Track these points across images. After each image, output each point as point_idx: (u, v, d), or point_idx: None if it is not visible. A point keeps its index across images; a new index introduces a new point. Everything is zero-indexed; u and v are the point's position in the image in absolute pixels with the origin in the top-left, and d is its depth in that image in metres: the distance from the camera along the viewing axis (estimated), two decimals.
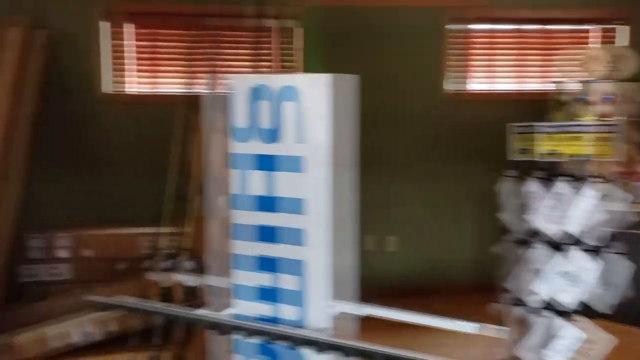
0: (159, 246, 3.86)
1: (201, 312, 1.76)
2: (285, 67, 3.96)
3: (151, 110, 4.18)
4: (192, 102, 2.83)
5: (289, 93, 1.64)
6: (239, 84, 1.73)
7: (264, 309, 1.73)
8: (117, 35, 4.17)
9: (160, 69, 4.29)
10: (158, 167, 4.08)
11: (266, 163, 1.69)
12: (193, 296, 2.95)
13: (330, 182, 1.62)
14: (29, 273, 3.85)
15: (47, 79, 3.90)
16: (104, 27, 4.12)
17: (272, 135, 1.68)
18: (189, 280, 2.81)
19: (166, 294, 2.57)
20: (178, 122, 3.05)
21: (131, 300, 1.75)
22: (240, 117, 1.71)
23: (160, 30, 4.26)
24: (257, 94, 1.68)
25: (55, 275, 3.90)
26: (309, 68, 3.82)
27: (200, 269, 3.01)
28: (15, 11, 3.92)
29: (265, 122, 1.68)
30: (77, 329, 3.57)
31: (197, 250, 2.97)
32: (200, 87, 2.95)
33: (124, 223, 4.07)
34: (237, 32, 4.09)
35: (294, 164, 1.65)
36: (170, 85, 4.28)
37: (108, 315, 3.66)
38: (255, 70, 3.04)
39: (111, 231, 3.98)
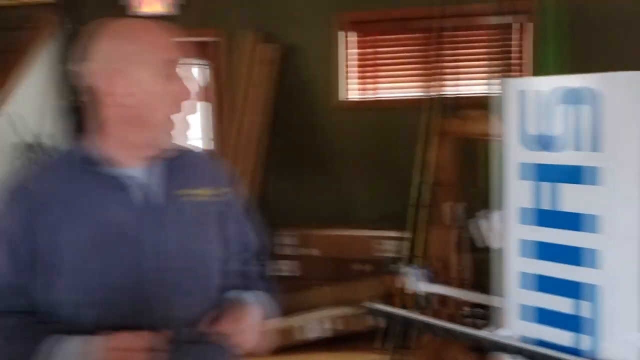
0: (392, 250, 3.92)
1: (483, 332, 1.65)
2: (517, 65, 3.71)
3: (384, 115, 4.25)
4: (430, 106, 2.79)
5: (573, 95, 1.46)
6: (508, 86, 1.59)
7: (546, 333, 1.57)
8: (346, 44, 4.27)
9: (392, 75, 4.32)
10: (391, 171, 4.24)
11: (549, 173, 1.53)
12: (425, 304, 2.90)
13: (637, 195, 1.41)
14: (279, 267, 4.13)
15: (279, 90, 4.17)
16: (333, 38, 4.26)
17: (553, 142, 1.51)
18: (423, 287, 2.77)
19: (408, 300, 2.53)
20: (419, 127, 3.00)
21: (409, 313, 1.71)
22: (513, 122, 1.57)
23: (388, 36, 4.29)
24: (526, 97, 1.53)
25: (281, 272, 4.15)
26: (546, 66, 3.52)
27: (432, 276, 2.95)
28: (249, 27, 4.25)
29: (543, 128, 1.52)
30: (317, 325, 3.76)
31: (429, 257, 2.91)
32: (436, 90, 2.87)
33: (355, 225, 4.22)
34: (471, 32, 3.96)
35: (586, 175, 1.47)
36: (403, 90, 4.30)
37: (337, 313, 3.80)
38: (496, 70, 2.88)
39: (340, 232, 4.12)
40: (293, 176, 4.40)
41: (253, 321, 1.26)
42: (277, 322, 3.76)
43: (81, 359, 1.08)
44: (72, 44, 4.40)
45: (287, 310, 3.90)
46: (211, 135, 4.54)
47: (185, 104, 1.20)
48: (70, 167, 1.19)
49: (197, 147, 1.43)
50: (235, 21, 4.33)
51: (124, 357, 1.06)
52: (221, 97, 4.44)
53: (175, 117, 1.20)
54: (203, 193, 1.27)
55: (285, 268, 4.15)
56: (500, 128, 1.59)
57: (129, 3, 4.36)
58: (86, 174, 1.18)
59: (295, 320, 3.78)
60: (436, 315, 2.91)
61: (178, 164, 1.26)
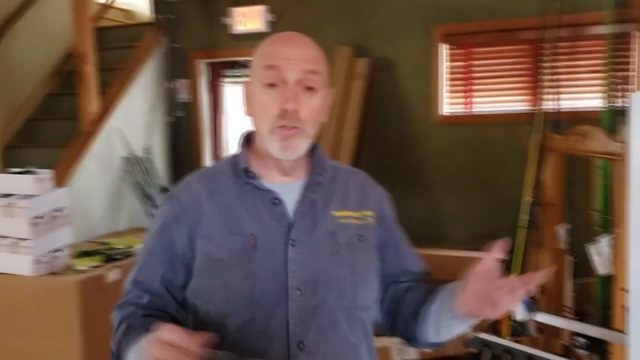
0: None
1: None
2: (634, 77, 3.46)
3: (481, 130, 4.13)
4: (534, 121, 2.65)
5: None
6: (637, 100, 1.47)
7: None
8: (442, 57, 4.19)
9: (489, 88, 4.19)
10: (488, 189, 4.09)
11: None
12: (521, 331, 2.74)
13: None
14: None
15: (371, 105, 4.15)
16: (427, 51, 4.19)
17: None
18: (523, 313, 2.62)
19: (516, 327, 2.40)
20: (520, 143, 2.87)
21: (503, 341, 1.61)
22: None
23: (486, 48, 4.16)
24: None
25: None
26: None
27: (533, 302, 2.79)
28: (340, 42, 4.27)
29: None
30: (394, 346, 3.69)
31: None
32: (541, 104, 2.73)
33: (448, 245, 4.09)
34: (581, 42, 3.76)
35: None
36: (502, 104, 4.16)
37: None
38: (611, 82, 2.70)
39: (431, 252, 4.01)
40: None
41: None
42: (376, 342, 3.72)
43: (139, 353, 1.05)
44: (173, 61, 4.65)
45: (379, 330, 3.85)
46: None
47: (298, 114, 1.14)
48: (229, 178, 1.21)
49: (343, 164, 1.36)
50: (326, 36, 4.34)
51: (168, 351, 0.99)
52: None
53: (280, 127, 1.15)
54: (345, 214, 1.21)
55: None
56: (622, 145, 1.47)
57: (229, 22, 4.50)
58: (243, 185, 1.19)
59: (391, 341, 3.70)
60: (533, 343, 2.75)
61: (327, 182, 1.23)
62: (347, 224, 1.20)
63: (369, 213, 1.24)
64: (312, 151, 1.24)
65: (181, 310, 1.19)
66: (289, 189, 1.20)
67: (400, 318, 1.25)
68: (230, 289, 1.12)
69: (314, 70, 1.16)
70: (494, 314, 1.07)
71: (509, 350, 1.16)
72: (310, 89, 1.16)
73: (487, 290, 1.08)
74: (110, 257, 3.23)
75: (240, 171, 1.20)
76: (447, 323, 1.18)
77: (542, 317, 1.54)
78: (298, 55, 1.16)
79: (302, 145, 1.17)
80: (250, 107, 1.20)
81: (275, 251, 1.13)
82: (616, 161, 1.97)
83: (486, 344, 1.23)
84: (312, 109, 1.17)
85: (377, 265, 1.23)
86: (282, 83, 1.14)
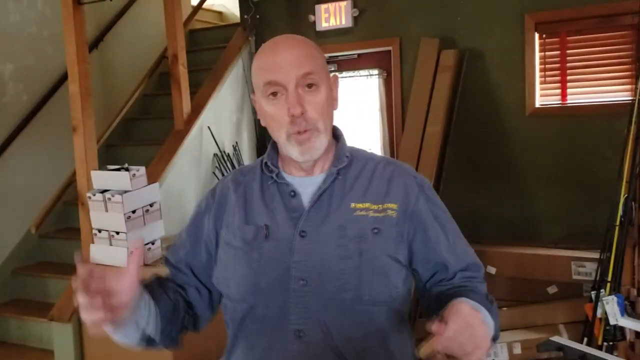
0: (584, 273, 3.56)
1: None
2: None
3: (577, 123, 3.89)
4: (635, 111, 2.46)
5: None
6: None
7: None
8: (532, 47, 3.98)
9: (585, 78, 3.92)
10: (585, 184, 3.85)
11: None
12: (620, 335, 2.55)
13: None
14: None
15: (459, 97, 4.02)
16: (516, 41, 4.00)
17: None
18: (614, 317, 2.43)
19: (611, 331, 2.24)
20: (621, 136, 2.67)
21: (585, 347, 1.49)
22: None
23: (581, 36, 3.89)
24: None
25: None
26: None
27: (632, 306, 2.59)
28: (425, 34, 4.16)
29: None
30: (504, 349, 3.55)
31: (633, 284, 2.55)
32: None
33: (540, 243, 3.90)
34: None
35: None
36: (599, 94, 3.88)
37: (514, 337, 3.55)
38: None
39: (522, 250, 3.84)
40: (472, 188, 4.20)
41: (484, 332, 1.00)
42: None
43: None
44: None
45: None
46: (387, 145, 4.54)
47: (306, 116, 1.17)
48: (257, 173, 1.29)
49: (377, 155, 1.34)
50: (411, 28, 4.27)
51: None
52: (399, 106, 4.41)
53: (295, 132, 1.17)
54: (364, 206, 1.20)
55: None
56: None
57: (313, 19, 4.54)
58: (267, 180, 1.26)
59: None
60: (631, 349, 2.55)
61: (349, 174, 1.24)
62: (364, 216, 1.18)
63: (391, 205, 1.21)
64: (337, 141, 1.28)
65: (203, 288, 1.29)
66: (308, 182, 1.23)
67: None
68: (239, 276, 1.19)
69: (309, 71, 1.17)
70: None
71: (583, 356, 1.08)
72: (311, 86, 1.17)
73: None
74: None
75: (265, 166, 1.27)
76: None
77: (627, 322, 1.41)
78: (289, 60, 1.17)
79: (319, 144, 1.19)
80: (263, 119, 1.24)
81: (284, 241, 1.18)
82: None
83: (560, 348, 1.15)
84: (319, 105, 1.18)
85: (399, 259, 1.19)
86: (283, 90, 1.16)
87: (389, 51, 4.39)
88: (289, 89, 1.16)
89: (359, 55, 4.58)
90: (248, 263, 1.19)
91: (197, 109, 4.21)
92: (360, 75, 4.56)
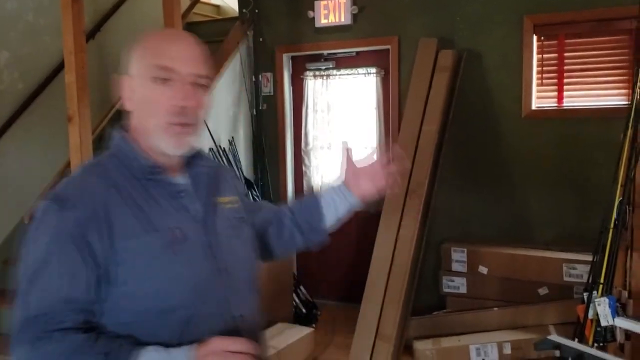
0: (575, 274, 3.58)
1: None
2: None
3: (573, 126, 3.91)
4: (633, 116, 2.47)
5: None
6: None
7: None
8: (530, 50, 3.99)
9: (583, 82, 3.95)
10: (578, 187, 3.88)
11: None
12: (610, 337, 2.57)
13: None
14: (448, 284, 4.03)
15: (456, 98, 4.03)
16: (515, 43, 4.01)
17: None
18: (605, 318, 2.45)
19: (601, 333, 2.25)
20: (615, 139, 2.69)
21: (582, 346, 1.49)
22: None
23: (579, 40, 3.92)
24: None
25: (452, 288, 4.00)
26: None
27: (622, 308, 2.61)
28: (424, 33, 4.17)
29: None
30: (474, 346, 3.59)
31: (624, 286, 2.57)
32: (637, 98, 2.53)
33: (532, 245, 3.94)
34: None
35: None
36: (596, 98, 3.91)
37: (505, 337, 3.57)
38: None
39: (514, 251, 3.86)
40: (466, 187, 4.22)
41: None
42: (453, 341, 3.65)
43: None
44: (258, 55, 4.76)
45: (457, 328, 3.76)
46: (383, 144, 4.54)
47: (196, 111, 1.19)
48: (124, 174, 1.19)
49: (211, 158, 1.47)
50: (410, 27, 4.28)
51: (227, 358, 1.07)
52: (396, 105, 4.42)
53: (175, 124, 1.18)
54: (227, 200, 1.33)
55: (453, 285, 3.99)
56: None
57: (313, 15, 4.52)
58: (145, 182, 1.20)
59: (471, 340, 3.61)
60: (621, 350, 2.57)
61: (208, 173, 1.31)
62: (232, 208, 1.33)
63: (236, 198, 1.38)
64: None
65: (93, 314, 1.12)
66: (183, 181, 1.25)
67: (284, 230, 1.47)
68: (171, 282, 1.14)
69: (206, 74, 1.22)
70: (372, 190, 1.44)
71: (581, 355, 1.08)
72: (201, 87, 1.20)
73: (361, 172, 1.45)
74: None
75: (141, 167, 1.20)
76: (341, 200, 1.45)
77: (622, 322, 1.41)
78: (191, 55, 1.20)
79: (193, 141, 1.24)
80: (135, 102, 1.20)
81: (198, 240, 1.20)
82: None
83: (557, 346, 1.15)
84: (203, 106, 1.22)
85: (253, 235, 1.39)
86: (178, 81, 1.16)
87: (388, 50, 4.39)
88: (184, 80, 1.17)
89: (357, 53, 4.58)
90: (175, 267, 1.15)
91: None
92: (358, 74, 4.56)
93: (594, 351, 1.11)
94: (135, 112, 1.22)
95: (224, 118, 4.55)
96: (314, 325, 4.32)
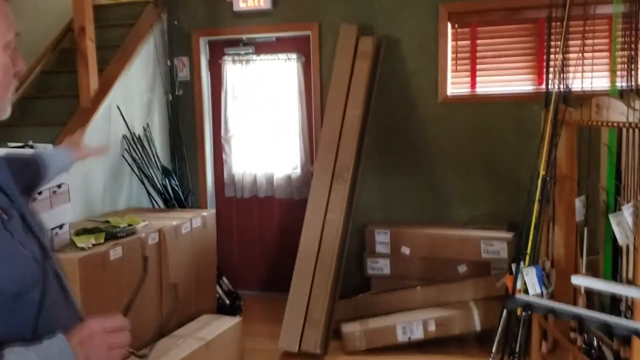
0: (496, 250, 3.75)
1: None
2: None
3: (487, 111, 4.09)
4: (545, 100, 2.62)
5: None
6: None
7: None
8: (446, 37, 4.13)
9: (495, 68, 4.14)
10: (494, 168, 4.07)
11: None
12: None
13: None
14: (372, 266, 4.07)
15: (375, 84, 4.09)
16: (432, 30, 4.13)
17: None
18: (533, 287, 2.59)
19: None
20: (529, 121, 2.84)
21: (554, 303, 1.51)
22: None
23: (491, 27, 4.11)
24: None
25: (376, 270, 4.06)
26: None
27: (547, 278, 2.77)
28: (344, 19, 4.19)
29: None
30: (400, 325, 3.66)
31: (547, 258, 2.73)
32: (551, 84, 2.69)
33: (452, 224, 4.09)
34: (589, 21, 3.69)
35: None
36: (508, 83, 4.12)
37: (429, 315, 3.68)
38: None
39: (435, 231, 3.99)
40: (389, 171, 4.30)
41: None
42: (379, 322, 3.68)
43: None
44: (173, 39, 4.56)
45: (383, 309, 3.83)
46: (306, 130, 4.52)
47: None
48: None
49: None
50: (330, 13, 4.28)
51: (110, 338, 1.03)
52: (318, 91, 4.40)
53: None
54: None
55: (377, 266, 4.05)
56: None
57: None
58: None
59: (397, 320, 3.68)
60: (545, 318, 2.71)
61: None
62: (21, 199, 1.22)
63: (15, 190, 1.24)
64: None
65: None
66: None
67: None
68: (22, 263, 1.06)
69: None
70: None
71: (552, 310, 1.12)
72: None
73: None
74: (112, 234, 3.17)
75: None
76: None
77: (579, 279, 1.48)
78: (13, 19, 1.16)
79: None
80: None
81: (19, 225, 1.11)
82: (638, 130, 1.94)
83: (526, 304, 1.19)
84: None
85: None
86: (11, 48, 1.13)
87: (308, 36, 4.37)
88: (15, 45, 1.13)
89: (277, 38, 4.52)
90: (18, 247, 1.07)
91: (105, 87, 3.95)
92: (278, 59, 4.51)
93: (564, 306, 1.16)
94: None
95: (137, 104, 4.32)
96: (238, 316, 4.24)
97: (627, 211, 1.85)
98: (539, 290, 2.36)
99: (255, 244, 4.73)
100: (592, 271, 2.65)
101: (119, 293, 3.03)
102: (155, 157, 4.31)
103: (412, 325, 3.66)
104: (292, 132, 4.54)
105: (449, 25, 4.11)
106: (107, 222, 3.47)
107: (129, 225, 3.39)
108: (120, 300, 3.05)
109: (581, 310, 1.13)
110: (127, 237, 3.20)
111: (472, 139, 4.13)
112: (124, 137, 4.10)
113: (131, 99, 4.23)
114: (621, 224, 1.88)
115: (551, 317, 2.29)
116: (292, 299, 3.68)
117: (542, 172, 2.42)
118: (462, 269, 3.88)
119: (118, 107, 4.02)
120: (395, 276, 4.03)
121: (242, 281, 4.67)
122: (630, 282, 2.24)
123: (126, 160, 4.09)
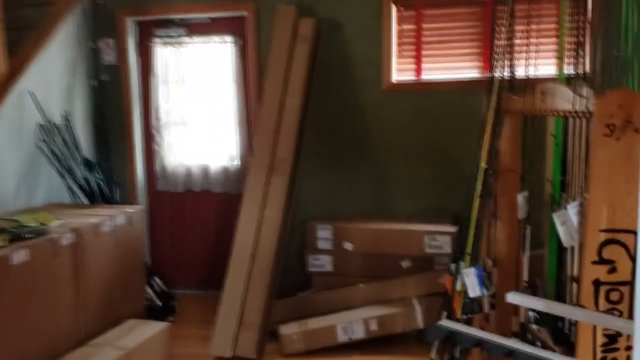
0: (439, 246, 3.59)
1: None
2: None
3: (432, 98, 3.90)
4: (489, 88, 2.44)
5: None
6: None
7: None
8: (391, 20, 3.91)
9: (440, 54, 3.95)
10: (440, 159, 3.88)
11: None
12: (477, 307, 2.56)
13: None
14: (314, 263, 3.85)
15: (315, 70, 3.84)
16: (375, 12, 3.91)
17: None
18: (473, 289, 2.42)
19: (469, 304, 2.19)
20: (474, 110, 2.66)
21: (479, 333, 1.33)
22: None
23: (436, 11, 3.91)
24: None
25: (318, 267, 3.85)
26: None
27: (488, 277, 2.60)
28: (283, 1, 3.92)
29: None
30: (340, 325, 3.47)
31: (488, 255, 2.56)
32: (496, 70, 2.50)
33: (397, 218, 3.90)
34: (536, 5, 3.54)
35: None
36: (454, 70, 3.94)
37: (370, 313, 3.50)
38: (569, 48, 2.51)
39: (379, 226, 3.80)
40: (330, 163, 4.08)
41: None
42: (319, 322, 3.48)
43: None
44: (97, 19, 4.20)
45: (323, 308, 3.62)
46: (243, 118, 4.24)
47: None
48: None
49: None
50: None
51: None
52: (255, 77, 4.12)
53: None
54: None
55: (319, 263, 3.84)
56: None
57: None
58: None
59: (338, 320, 3.48)
60: (486, 320, 2.57)
61: None
62: None
63: None
64: None
65: None
66: None
67: None
68: None
69: None
70: None
71: (479, 342, 0.92)
72: None
73: None
74: (17, 235, 2.84)
75: None
76: None
77: (514, 298, 1.29)
78: None
79: None
80: None
81: None
82: (586, 119, 1.76)
83: (450, 333, 0.98)
84: None
85: None
86: None
87: (244, 17, 4.08)
88: None
89: (211, 19, 4.21)
90: None
91: (15, 72, 3.56)
92: (213, 42, 4.20)
93: (493, 337, 0.96)
94: None
95: (55, 89, 3.94)
96: (171, 318, 3.95)
97: (572, 210, 1.68)
98: (479, 293, 2.18)
99: (191, 241, 4.43)
100: (536, 267, 2.50)
101: (24, 302, 2.71)
102: (78, 149, 3.95)
103: (353, 325, 3.47)
104: (228, 121, 4.25)
105: (393, 7, 3.89)
106: (16, 221, 3.11)
107: (41, 224, 3.05)
108: (27, 309, 2.74)
109: (513, 344, 0.93)
110: (36, 238, 2.87)
111: (417, 128, 3.95)
112: (40, 126, 3.73)
113: (48, 85, 3.85)
114: (566, 224, 1.71)
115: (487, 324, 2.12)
116: (225, 301, 3.43)
117: (483, 165, 2.23)
118: (405, 264, 3.71)
119: (32, 94, 3.64)
120: (337, 273, 3.83)
121: (178, 280, 4.39)
122: (575, 280, 2.09)
123: (43, 151, 3.72)
